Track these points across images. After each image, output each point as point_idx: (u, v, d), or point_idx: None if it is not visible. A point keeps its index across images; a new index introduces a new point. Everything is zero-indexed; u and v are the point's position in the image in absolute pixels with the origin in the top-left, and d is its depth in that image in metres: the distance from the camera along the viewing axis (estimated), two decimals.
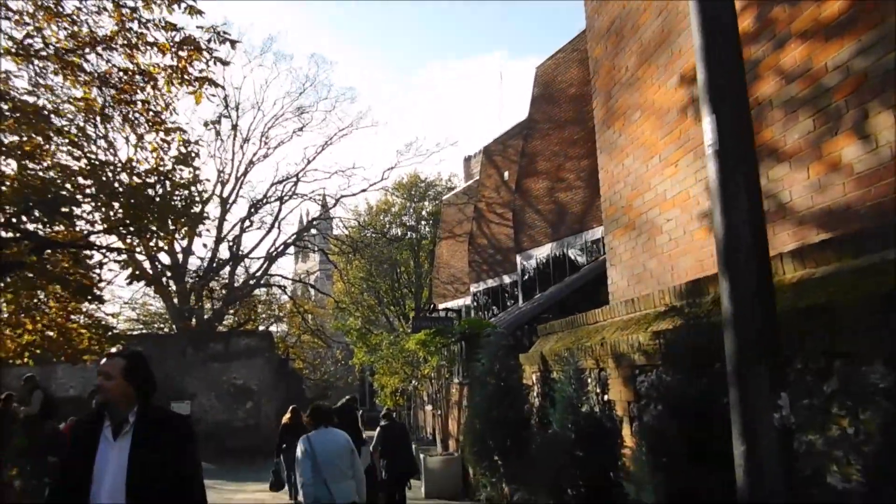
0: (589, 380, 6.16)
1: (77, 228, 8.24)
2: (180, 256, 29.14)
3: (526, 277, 18.20)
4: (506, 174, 21.12)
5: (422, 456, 13.79)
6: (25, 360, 11.45)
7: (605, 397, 5.92)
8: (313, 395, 42.96)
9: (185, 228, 8.25)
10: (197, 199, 8.14)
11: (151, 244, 8.42)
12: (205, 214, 8.40)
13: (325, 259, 51.96)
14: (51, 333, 11.01)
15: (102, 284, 11.52)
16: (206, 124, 40.15)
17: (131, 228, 8.08)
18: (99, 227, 8.23)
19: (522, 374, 8.09)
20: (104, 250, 8.31)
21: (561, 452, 5.76)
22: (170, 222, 7.86)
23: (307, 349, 42.72)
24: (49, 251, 7.98)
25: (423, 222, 42.19)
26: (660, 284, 6.30)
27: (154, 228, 7.88)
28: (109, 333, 15.60)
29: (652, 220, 6.60)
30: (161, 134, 7.94)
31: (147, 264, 27.77)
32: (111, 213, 7.86)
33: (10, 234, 7.67)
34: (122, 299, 38.44)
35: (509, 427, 7.32)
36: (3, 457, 11.29)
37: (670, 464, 3.86)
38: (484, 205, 22.51)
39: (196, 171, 8.17)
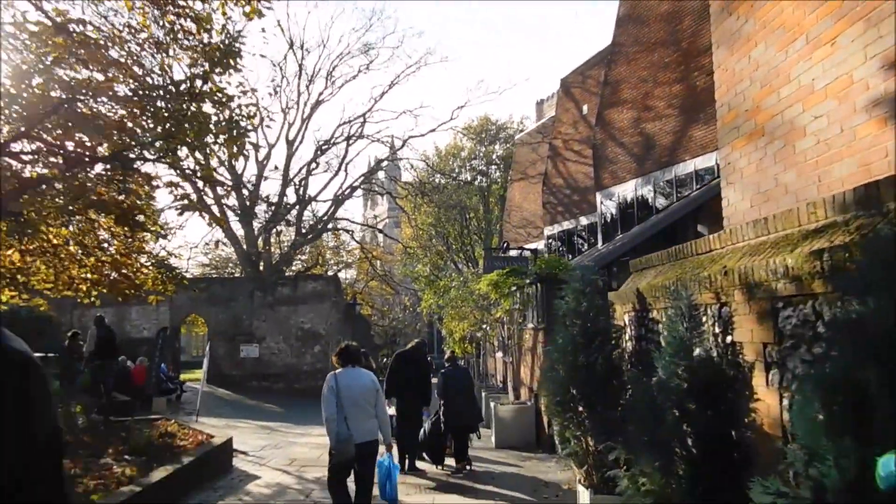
0: (704, 318, 4.95)
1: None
2: (248, 201, 28.97)
3: (606, 217, 16.77)
4: (584, 107, 19.50)
5: (492, 404, 12.92)
6: (93, 300, 11.17)
7: (728, 339, 4.70)
8: (381, 342, 43.11)
9: (229, 143, 7.38)
10: (242, 113, 7.25)
11: (188, 161, 7.61)
12: (248, 128, 7.45)
13: (393, 205, 51.46)
14: (114, 274, 10.60)
15: (160, 220, 10.99)
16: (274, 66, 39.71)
17: (166, 145, 7.27)
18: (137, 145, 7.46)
19: (613, 314, 6.93)
20: (138, 161, 7.50)
21: (667, 404, 4.62)
22: (210, 137, 7.01)
23: (375, 296, 42.65)
24: (80, 171, 7.27)
25: (493, 166, 40.82)
26: (799, 200, 4.96)
27: (190, 141, 7.04)
28: (172, 273, 15.32)
29: (790, 121, 5.21)
30: (204, 35, 7.01)
31: (209, 201, 27.73)
32: (150, 129, 7.07)
33: (31, 147, 6.98)
34: (192, 244, 39.09)
35: (597, 374, 6.21)
36: (68, 393, 11.09)
37: (860, 425, 2.66)
38: (560, 142, 20.99)
39: (238, 73, 7.23)
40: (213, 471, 9.14)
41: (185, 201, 9.00)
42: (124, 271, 10.55)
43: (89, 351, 12.71)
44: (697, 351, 4.73)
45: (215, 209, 28.55)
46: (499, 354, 19.90)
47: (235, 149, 7.46)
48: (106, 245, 10.42)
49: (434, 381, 10.96)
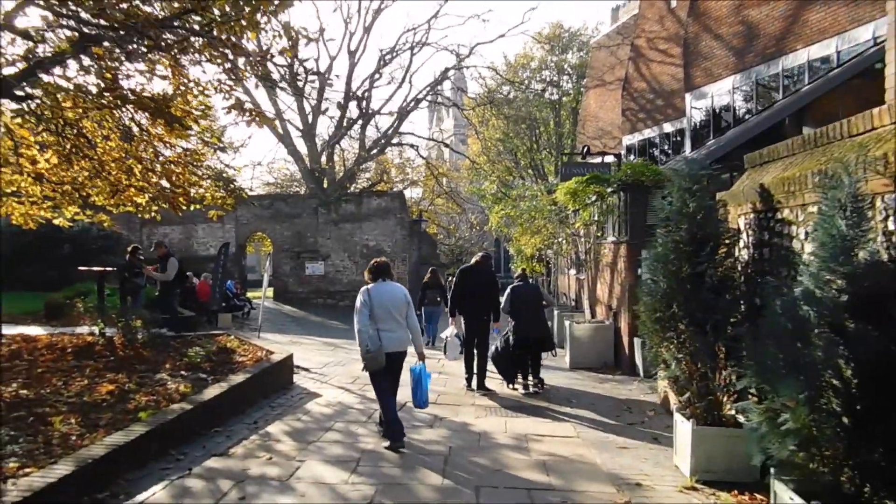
0: (870, 212, 3.77)
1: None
2: (310, 117, 28.19)
3: (696, 121, 15.08)
4: (672, 1, 17.41)
5: (567, 323, 12.04)
6: (154, 215, 10.77)
7: None
8: (447, 260, 42.69)
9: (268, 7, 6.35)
10: None
11: (224, 35, 6.65)
12: None
13: (459, 122, 49.70)
14: (165, 183, 10.03)
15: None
16: None
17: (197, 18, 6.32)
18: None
19: (725, 217, 5.77)
20: (172, 26, 6.52)
21: (817, 321, 3.56)
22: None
23: (441, 214, 41.90)
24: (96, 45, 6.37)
25: (564, 76, 38.42)
26: None
27: (227, 10, 6.07)
28: (232, 187, 14.77)
29: None
30: None
31: (270, 115, 27.07)
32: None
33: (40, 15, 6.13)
34: (256, 161, 38.91)
35: (707, 287, 5.15)
36: (126, 308, 10.82)
37: None
38: (643, 41, 19.01)
39: None
40: (272, 387, 8.68)
41: (234, 100, 8.14)
42: (176, 181, 9.95)
43: (168, 279, 12.42)
44: (861, 254, 3.60)
45: (279, 126, 28.01)
46: (571, 272, 18.86)
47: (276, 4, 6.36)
48: (153, 152, 9.78)
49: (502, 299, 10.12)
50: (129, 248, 12.80)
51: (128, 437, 5.30)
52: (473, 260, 9.88)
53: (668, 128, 17.43)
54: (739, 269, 5.42)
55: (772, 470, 3.81)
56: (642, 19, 19.09)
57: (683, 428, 5.31)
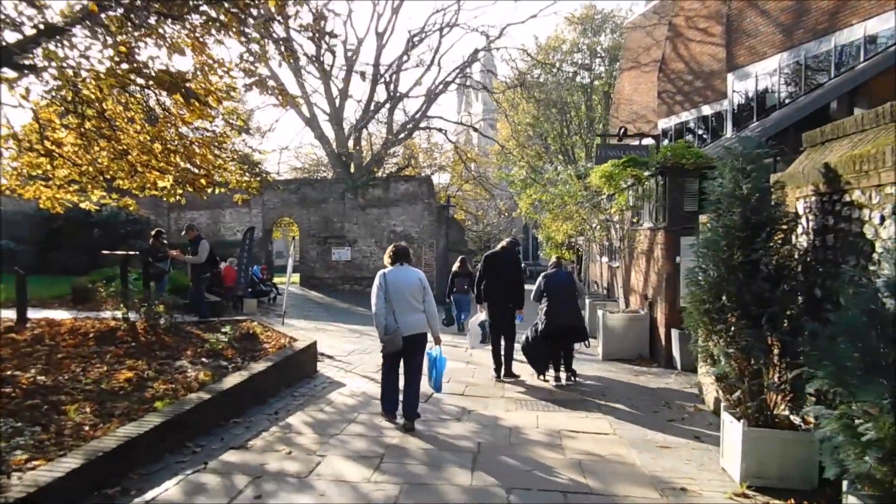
0: None
1: None
2: (337, 100, 27.89)
3: (738, 103, 14.40)
4: None
5: (599, 313, 11.59)
6: (179, 198, 10.63)
7: None
8: (475, 247, 42.30)
9: None
10: None
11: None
12: None
13: (488, 107, 49.02)
14: (187, 164, 9.80)
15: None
16: None
17: None
18: None
19: (782, 200, 5.29)
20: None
21: None
22: None
23: (469, 199, 41.46)
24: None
25: (597, 59, 37.53)
26: None
27: None
28: (257, 170, 14.53)
29: None
30: None
31: (299, 100, 26.83)
32: None
33: None
34: (283, 146, 38.84)
35: (763, 276, 4.71)
36: (150, 293, 10.64)
37: None
38: (682, 20, 18.27)
39: None
40: (295, 376, 8.43)
41: (256, 77, 7.83)
42: (198, 162, 9.72)
43: (200, 262, 12.28)
44: None
45: (305, 109, 27.79)
46: (603, 259, 18.35)
47: None
48: (176, 133, 9.54)
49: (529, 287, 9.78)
50: (153, 233, 12.68)
51: (141, 428, 5.06)
52: (499, 245, 9.57)
53: (706, 110, 16.74)
54: (796, 256, 4.96)
55: (844, 483, 3.39)
56: None
57: (733, 429, 4.88)
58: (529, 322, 9.51)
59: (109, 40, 6.05)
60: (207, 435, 5.83)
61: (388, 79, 27.54)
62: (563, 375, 9.04)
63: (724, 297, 4.82)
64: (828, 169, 4.55)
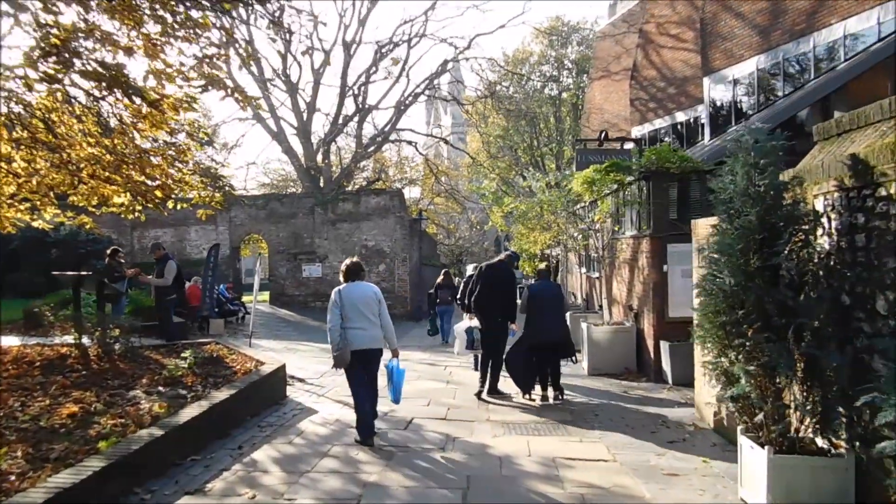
0: None
1: None
2: (305, 114, 27.23)
3: (715, 108, 14.15)
4: None
5: (583, 325, 11.09)
6: (138, 215, 9.94)
7: None
8: (448, 261, 41.76)
9: None
10: None
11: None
12: None
13: (458, 121, 48.71)
14: (140, 176, 9.07)
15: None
16: None
17: None
18: None
19: (802, 196, 4.83)
20: None
21: None
22: None
23: (441, 213, 41.00)
24: None
25: (564, 71, 37.45)
26: None
27: None
28: (220, 182, 13.77)
29: None
30: None
31: (264, 114, 26.04)
32: None
33: None
34: (250, 162, 37.91)
35: (786, 283, 4.22)
36: (104, 316, 9.83)
37: None
38: (653, 26, 18.08)
39: None
40: (262, 403, 7.74)
41: (214, 78, 7.18)
42: (151, 173, 9.00)
43: (166, 285, 11.42)
44: None
45: (271, 123, 27.06)
46: (581, 270, 17.94)
47: None
48: (131, 143, 8.81)
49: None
50: (109, 251, 11.86)
51: (79, 475, 4.36)
52: (497, 258, 9.19)
53: (680, 117, 16.52)
54: (816, 260, 4.49)
55: None
56: (652, 3, 18.17)
57: (755, 456, 4.36)
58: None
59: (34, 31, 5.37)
60: (160, 477, 5.13)
61: (356, 91, 27.01)
62: (550, 394, 8.49)
63: (742, 308, 4.31)
64: (856, 161, 4.09)
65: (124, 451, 4.91)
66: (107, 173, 7.77)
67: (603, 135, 11.98)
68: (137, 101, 6.63)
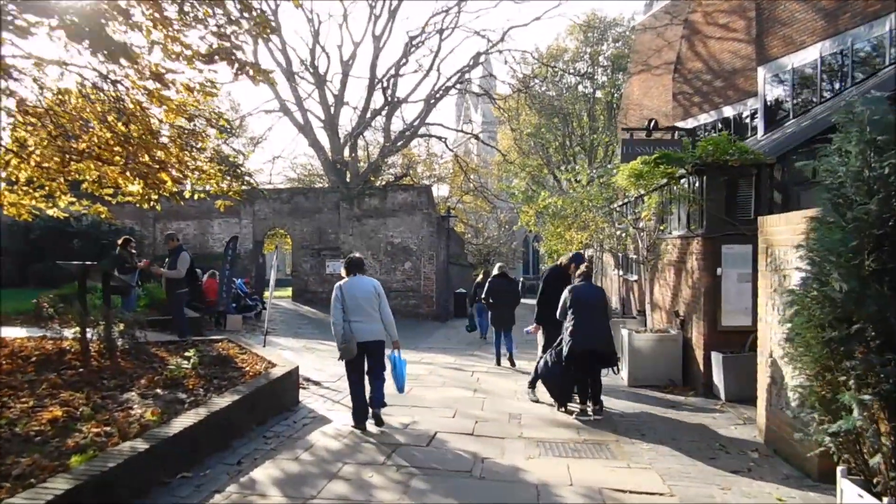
0: None
1: None
2: (332, 107, 26.61)
3: (771, 99, 13.08)
4: None
5: (623, 333, 10.17)
6: (153, 204, 9.40)
7: None
8: (475, 261, 40.89)
9: None
10: None
11: None
12: None
13: (488, 119, 47.77)
14: (145, 158, 8.43)
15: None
16: None
17: None
18: None
19: None
20: None
21: None
22: None
23: (469, 212, 40.19)
24: None
25: (599, 69, 36.31)
26: None
27: None
28: (238, 171, 13.16)
29: None
30: None
31: (292, 107, 25.48)
32: None
33: None
34: (276, 155, 37.64)
35: None
36: (109, 309, 9.19)
37: None
38: (700, 16, 17.03)
39: None
40: (270, 410, 7.00)
41: (224, 47, 6.44)
42: (161, 156, 8.35)
43: (179, 277, 10.80)
44: None
45: (298, 116, 26.50)
46: (615, 273, 16.97)
47: None
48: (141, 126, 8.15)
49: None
50: (120, 241, 11.26)
51: (37, 501, 3.64)
52: (561, 259, 8.74)
53: (728, 111, 15.46)
54: None
55: None
56: None
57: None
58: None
59: None
60: (141, 499, 4.40)
61: (385, 83, 26.28)
62: (589, 408, 7.63)
63: (855, 321, 3.42)
64: None
65: (98, 470, 4.19)
66: (101, 150, 7.05)
67: (652, 124, 11.01)
68: (137, 76, 5.88)
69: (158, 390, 6.60)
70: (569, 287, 7.79)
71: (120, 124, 8.17)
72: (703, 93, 16.89)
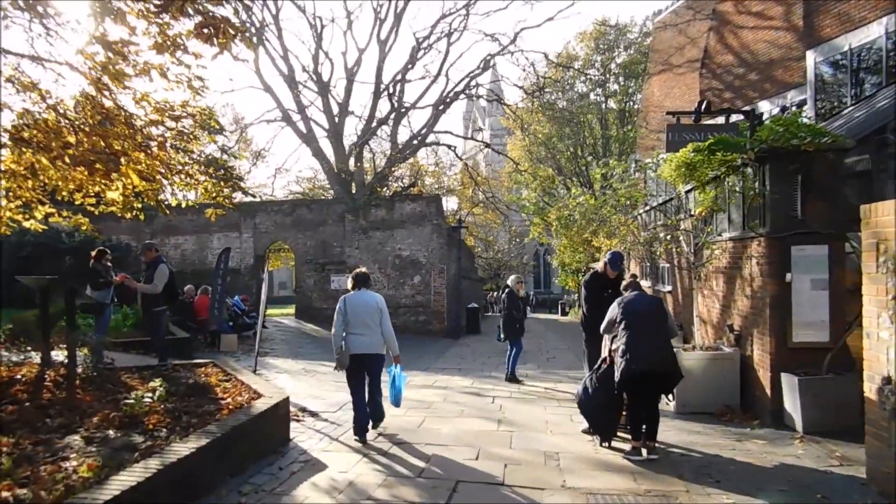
0: None
1: None
2: (337, 117, 25.47)
3: (822, 85, 11.73)
4: None
5: None
6: (136, 213, 8.34)
7: None
8: (485, 275, 39.50)
9: None
10: None
11: None
12: None
13: (496, 130, 46.66)
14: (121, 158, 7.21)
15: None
16: None
17: None
18: None
19: None
20: None
21: None
22: None
23: (479, 224, 38.94)
24: None
25: (611, 76, 35.05)
26: None
27: None
28: (228, 174, 12.17)
29: None
30: None
31: (295, 116, 24.39)
32: None
33: None
34: (279, 166, 36.54)
35: None
36: (73, 331, 7.88)
37: None
38: (730, 6, 15.72)
39: None
40: (251, 453, 5.66)
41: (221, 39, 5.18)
42: (138, 154, 7.18)
43: (155, 292, 9.48)
44: None
45: (301, 125, 25.37)
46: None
47: None
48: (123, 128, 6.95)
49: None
50: (94, 252, 9.97)
51: None
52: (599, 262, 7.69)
53: (764, 106, 14.12)
54: None
55: None
56: None
57: None
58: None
59: None
60: None
61: (391, 90, 25.12)
62: (646, 446, 6.23)
63: None
64: None
65: None
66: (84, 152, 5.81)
67: (704, 105, 9.64)
68: None
69: (111, 431, 5.29)
70: (617, 300, 6.44)
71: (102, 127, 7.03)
72: (735, 87, 15.54)
